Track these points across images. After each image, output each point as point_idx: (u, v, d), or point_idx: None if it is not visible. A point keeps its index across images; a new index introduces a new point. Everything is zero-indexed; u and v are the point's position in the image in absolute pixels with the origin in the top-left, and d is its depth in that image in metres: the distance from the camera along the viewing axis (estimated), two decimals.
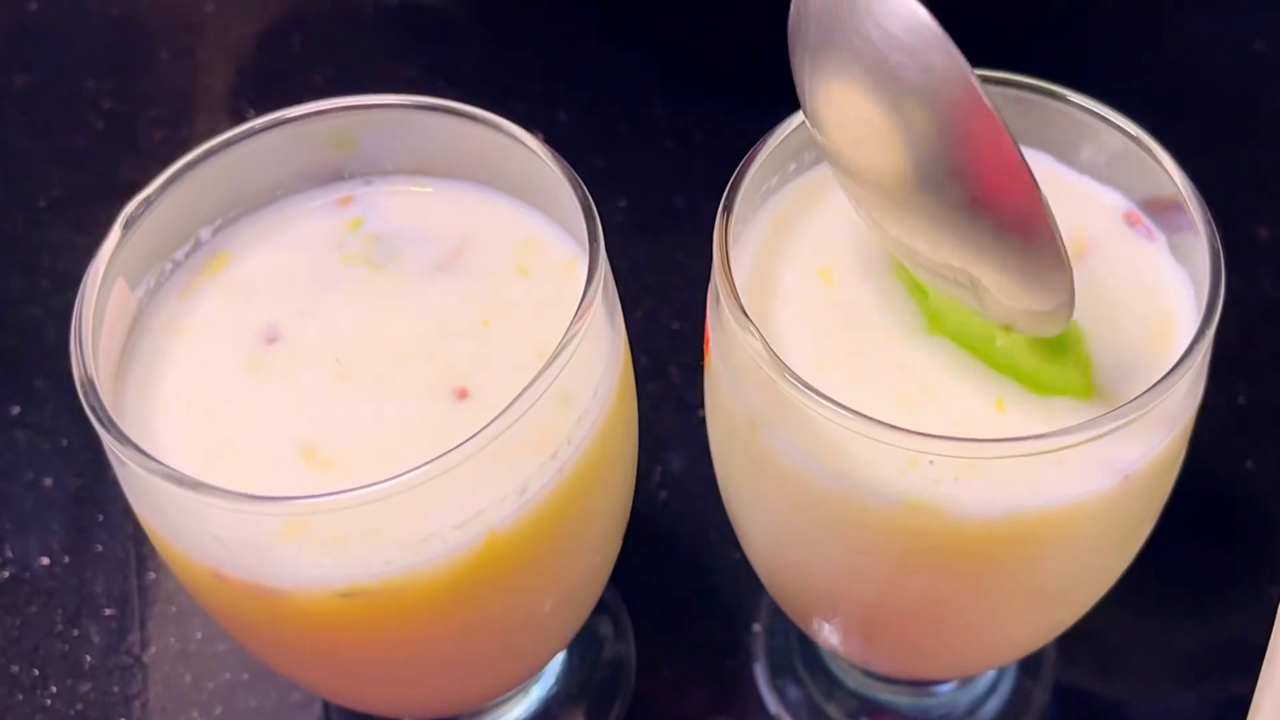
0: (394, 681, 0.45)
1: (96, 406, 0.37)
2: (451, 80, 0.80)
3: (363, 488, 0.36)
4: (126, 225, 0.41)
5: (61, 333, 0.69)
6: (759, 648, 0.59)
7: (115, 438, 0.37)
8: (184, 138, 0.78)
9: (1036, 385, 0.41)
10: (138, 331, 0.43)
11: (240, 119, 0.77)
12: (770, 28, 0.82)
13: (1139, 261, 0.44)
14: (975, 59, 0.47)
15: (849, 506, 0.40)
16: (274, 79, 0.80)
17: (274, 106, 0.46)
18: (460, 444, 0.37)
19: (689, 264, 0.72)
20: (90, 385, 0.38)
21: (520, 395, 0.38)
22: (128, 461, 0.37)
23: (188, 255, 0.45)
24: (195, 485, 0.36)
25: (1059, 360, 0.41)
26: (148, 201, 0.42)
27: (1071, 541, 0.40)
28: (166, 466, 0.36)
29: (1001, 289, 0.39)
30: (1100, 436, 0.36)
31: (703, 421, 0.66)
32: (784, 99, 0.44)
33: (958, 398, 0.41)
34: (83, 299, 0.40)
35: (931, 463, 0.38)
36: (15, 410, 0.66)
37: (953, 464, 0.37)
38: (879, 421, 0.37)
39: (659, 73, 0.81)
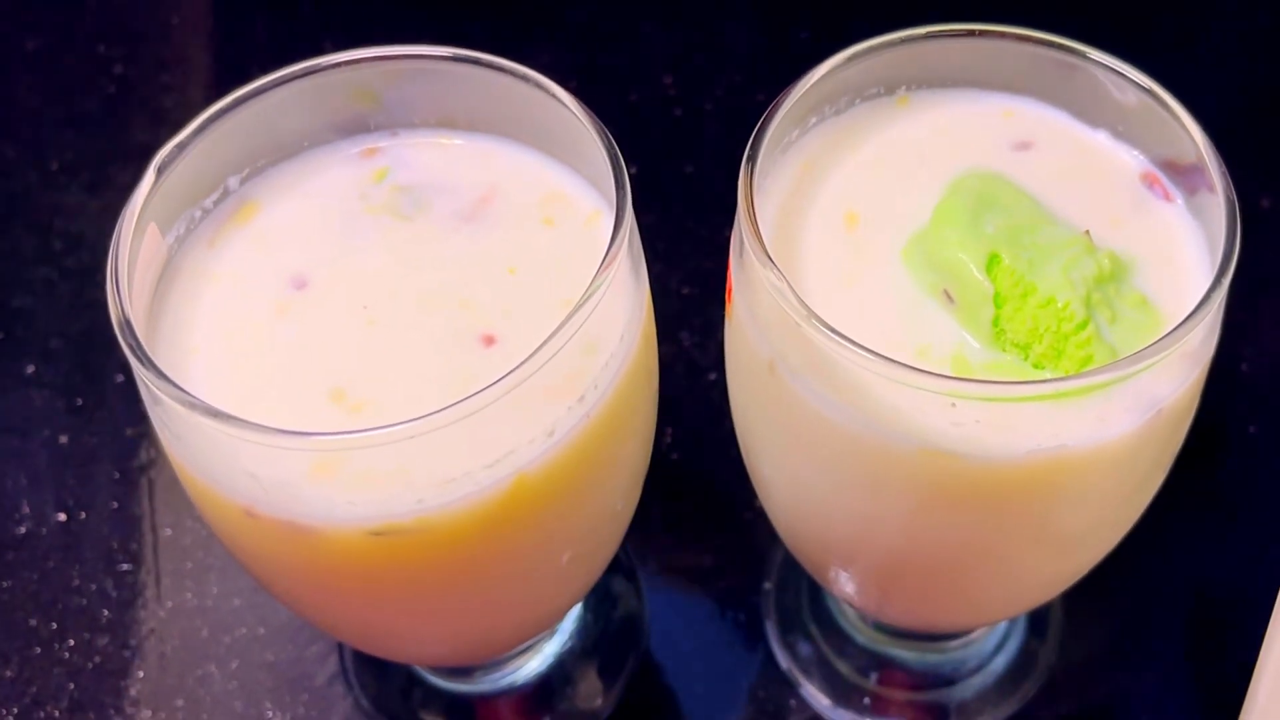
0: (419, 625, 0.46)
1: (134, 345, 0.38)
2: (462, 47, 0.81)
3: (395, 425, 0.36)
4: (160, 170, 0.42)
5: (75, 293, 0.70)
6: (770, 605, 0.60)
7: (153, 374, 0.37)
8: (194, 102, 0.78)
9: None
10: (168, 278, 0.44)
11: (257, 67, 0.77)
12: (786, 3, 0.83)
13: (1157, 224, 0.45)
14: (997, 17, 0.48)
15: (870, 449, 0.40)
16: (284, 45, 0.80)
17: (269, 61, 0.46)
18: (490, 385, 0.37)
19: (698, 230, 0.73)
20: (127, 325, 0.38)
21: (549, 339, 0.38)
22: (164, 398, 0.37)
23: (216, 203, 0.45)
24: (230, 419, 0.36)
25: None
26: (180, 147, 0.42)
27: (1092, 484, 0.41)
28: (204, 401, 0.37)
29: None
30: (1130, 377, 0.37)
31: (714, 384, 0.67)
32: (793, 72, 0.45)
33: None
34: (118, 241, 0.40)
35: (954, 405, 0.38)
36: (30, 369, 0.67)
37: (976, 407, 0.38)
38: (902, 364, 0.38)
39: (670, 42, 0.81)
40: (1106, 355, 0.41)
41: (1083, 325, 0.41)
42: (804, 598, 0.60)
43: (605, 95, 0.78)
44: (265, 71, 0.44)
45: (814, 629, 0.59)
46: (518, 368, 0.38)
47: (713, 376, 0.67)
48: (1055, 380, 0.37)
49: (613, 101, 0.78)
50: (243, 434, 0.36)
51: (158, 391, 0.37)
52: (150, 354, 0.39)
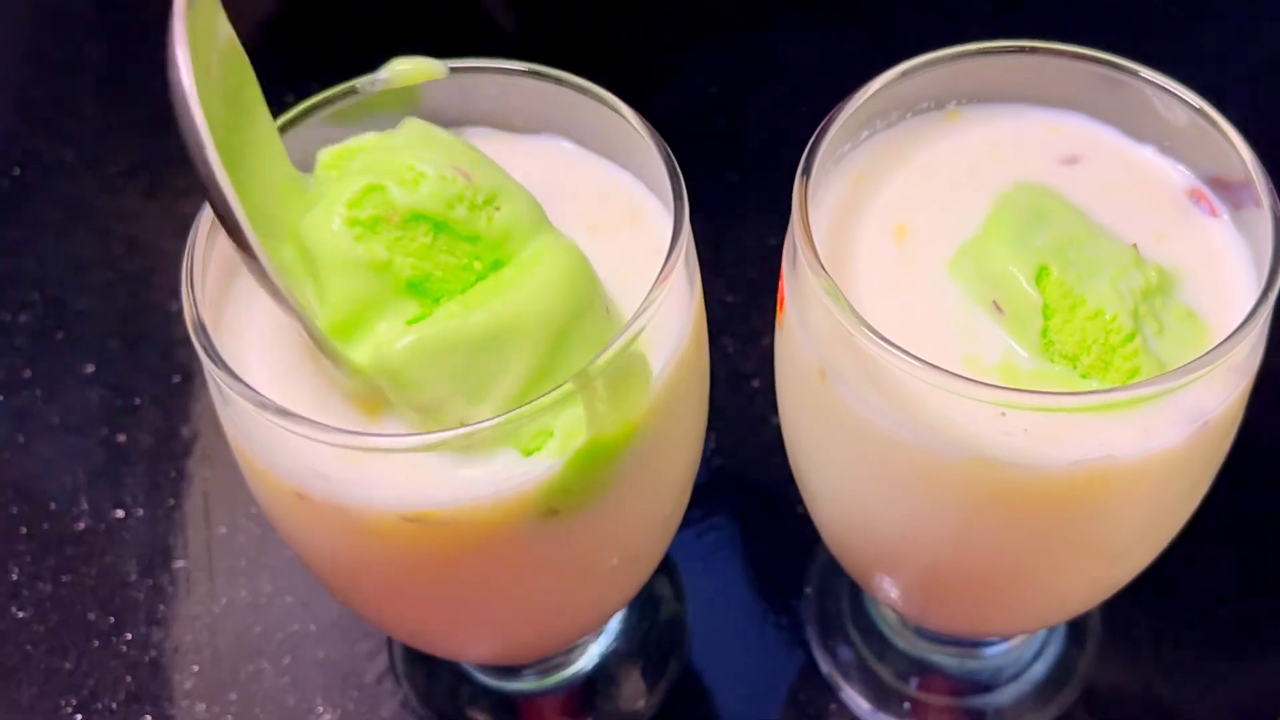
0: (465, 623, 0.47)
1: (208, 346, 0.39)
2: (503, 52, 0.82)
3: (443, 432, 0.38)
4: None
5: (132, 295, 0.72)
6: (810, 609, 0.61)
7: (225, 374, 0.38)
8: None
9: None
10: (229, 273, 0.45)
11: (304, 89, 0.78)
12: (828, 14, 0.84)
13: (1203, 238, 0.46)
14: (1041, 29, 0.49)
15: (919, 457, 0.41)
16: (340, 53, 0.82)
17: (331, 78, 0.47)
18: (543, 395, 0.38)
19: (742, 239, 0.73)
20: (201, 327, 0.39)
21: (602, 352, 0.39)
22: (235, 397, 0.38)
23: None
24: (296, 418, 0.38)
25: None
26: None
27: (1137, 494, 0.42)
28: (272, 402, 0.38)
29: None
30: (1177, 389, 0.38)
31: (756, 391, 0.68)
32: (838, 83, 0.45)
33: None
34: (192, 246, 0.41)
35: (1004, 415, 0.39)
36: (89, 369, 0.68)
37: (1026, 416, 0.39)
38: (954, 373, 0.38)
39: (715, 52, 0.82)
40: (1153, 367, 0.41)
41: (1130, 337, 0.42)
42: (845, 602, 0.61)
43: (650, 104, 0.79)
44: (321, 80, 0.45)
45: (854, 633, 0.60)
46: (571, 379, 0.38)
47: (755, 383, 0.68)
48: (1104, 391, 0.38)
49: (657, 110, 0.79)
50: (304, 431, 0.37)
51: (228, 388, 0.39)
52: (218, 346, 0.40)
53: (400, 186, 0.39)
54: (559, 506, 0.41)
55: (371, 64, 0.49)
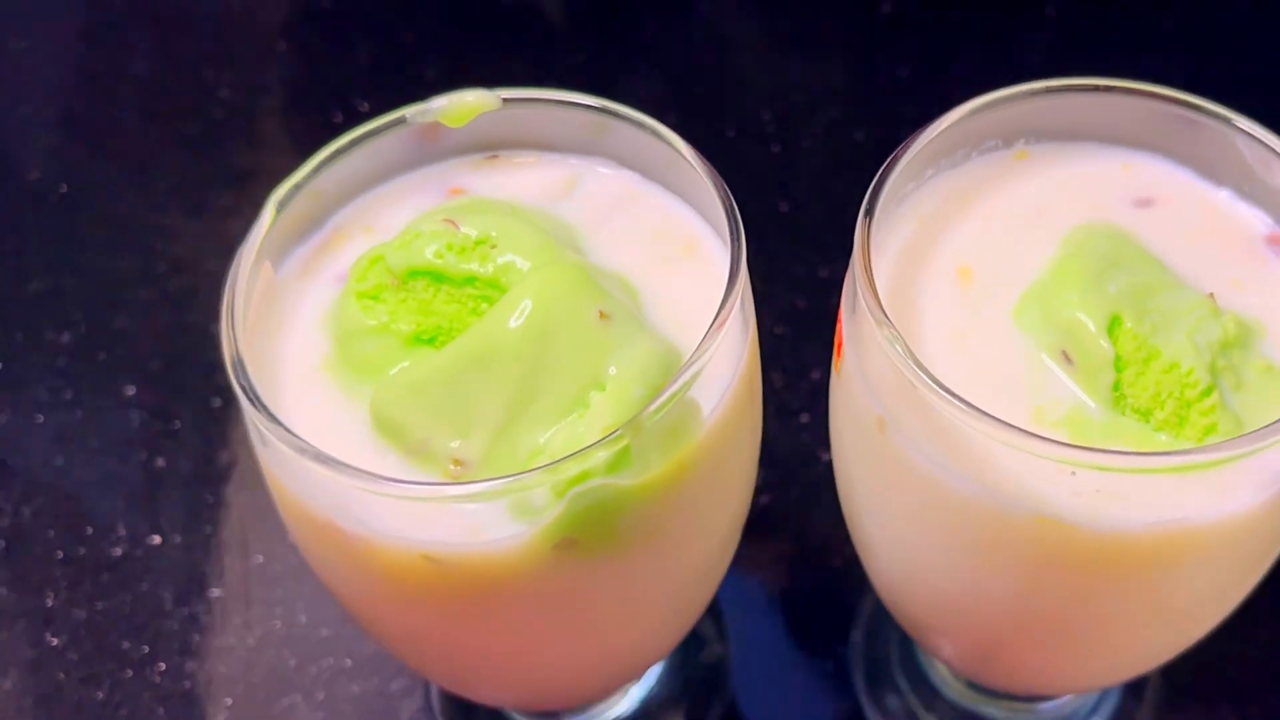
0: (498, 668, 0.45)
1: (247, 387, 0.38)
2: (560, 79, 0.81)
3: (487, 481, 0.36)
4: (279, 208, 0.42)
5: (174, 316, 0.71)
6: (858, 656, 0.59)
7: (265, 417, 0.37)
8: (298, 128, 0.79)
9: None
10: (272, 301, 0.44)
11: (353, 111, 0.78)
12: (886, 41, 0.82)
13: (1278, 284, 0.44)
14: (1097, 66, 0.47)
15: (984, 515, 0.39)
16: (385, 72, 0.81)
17: (385, 99, 0.46)
18: (592, 444, 0.37)
19: (791, 268, 0.72)
20: (240, 365, 0.38)
21: (655, 401, 0.37)
22: (272, 439, 0.37)
23: (314, 235, 0.45)
24: (339, 467, 0.36)
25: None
26: (297, 187, 0.43)
27: (1211, 557, 0.40)
28: (313, 446, 0.37)
29: None
30: (1259, 451, 0.36)
31: (805, 427, 0.66)
32: (892, 110, 0.44)
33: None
34: (234, 278, 0.40)
35: (1074, 474, 0.37)
36: (130, 391, 0.68)
37: (1098, 476, 0.37)
38: (1023, 430, 0.37)
39: (769, 77, 0.81)
40: (1231, 424, 0.40)
41: (1207, 392, 0.40)
42: (893, 649, 0.59)
43: (702, 129, 0.78)
44: (368, 99, 0.44)
45: (903, 682, 0.58)
46: (624, 427, 0.37)
47: (804, 419, 0.66)
48: (1183, 453, 0.36)
49: (709, 136, 0.78)
50: (354, 481, 0.36)
51: (266, 431, 0.37)
52: (256, 384, 0.39)
53: (397, 250, 0.42)
54: (577, 542, 0.39)
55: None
